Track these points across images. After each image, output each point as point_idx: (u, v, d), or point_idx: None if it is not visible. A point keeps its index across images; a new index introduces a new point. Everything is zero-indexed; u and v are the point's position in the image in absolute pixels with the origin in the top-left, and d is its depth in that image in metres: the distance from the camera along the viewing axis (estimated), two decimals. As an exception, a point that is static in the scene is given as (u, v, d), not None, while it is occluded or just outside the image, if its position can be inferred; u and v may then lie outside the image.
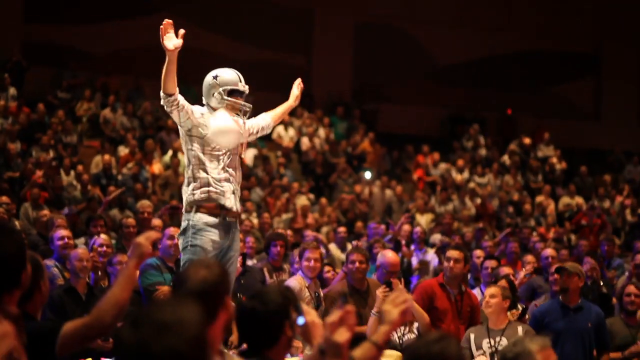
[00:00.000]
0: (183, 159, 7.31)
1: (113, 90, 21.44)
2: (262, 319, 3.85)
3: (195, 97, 21.72)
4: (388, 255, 9.00)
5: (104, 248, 9.28)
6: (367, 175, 21.56)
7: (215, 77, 7.16)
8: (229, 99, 7.10)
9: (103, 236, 9.59)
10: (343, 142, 22.69)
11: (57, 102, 20.89)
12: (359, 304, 8.37)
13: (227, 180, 6.95)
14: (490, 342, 7.52)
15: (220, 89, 7.10)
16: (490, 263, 9.99)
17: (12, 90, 19.66)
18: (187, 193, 6.91)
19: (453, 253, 8.52)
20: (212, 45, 24.41)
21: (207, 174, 6.88)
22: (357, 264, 8.60)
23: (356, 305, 8.39)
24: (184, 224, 6.87)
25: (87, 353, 7.59)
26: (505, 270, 9.39)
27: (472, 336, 7.63)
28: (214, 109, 7.13)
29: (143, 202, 12.78)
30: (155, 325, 2.60)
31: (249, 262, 10.37)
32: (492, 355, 7.47)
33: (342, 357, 3.42)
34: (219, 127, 6.94)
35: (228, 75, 7.20)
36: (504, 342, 7.41)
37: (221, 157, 6.97)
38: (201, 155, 6.90)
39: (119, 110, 20.62)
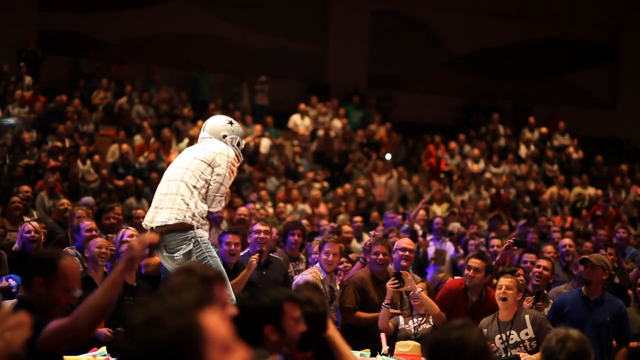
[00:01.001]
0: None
1: (127, 78, 21.43)
2: (240, 318, 3.79)
3: (212, 85, 21.64)
4: (404, 239, 9.05)
5: (134, 238, 9.25)
6: (388, 156, 21.59)
7: (230, 123, 7.56)
8: (237, 149, 7.53)
9: (132, 228, 9.60)
10: (359, 131, 22.64)
11: (74, 91, 20.89)
12: (380, 294, 8.37)
13: None
14: (502, 337, 7.49)
15: (232, 136, 7.49)
16: (530, 257, 9.83)
17: (28, 79, 19.71)
18: (188, 212, 7.09)
19: (474, 262, 8.38)
20: (227, 34, 24.44)
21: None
22: (380, 256, 8.59)
23: (377, 296, 8.40)
24: (191, 240, 7.18)
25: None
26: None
27: (484, 331, 7.57)
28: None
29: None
30: (163, 308, 2.54)
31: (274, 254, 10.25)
32: (505, 349, 7.45)
33: None
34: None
35: (240, 128, 7.67)
36: (514, 334, 7.42)
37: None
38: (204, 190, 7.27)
39: (134, 99, 20.61)
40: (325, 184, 19.76)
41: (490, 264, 8.53)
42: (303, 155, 21.26)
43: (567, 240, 11.62)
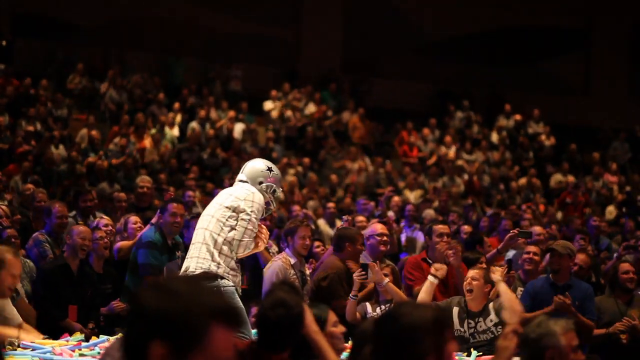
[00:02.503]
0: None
1: (101, 62, 21.35)
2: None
3: (184, 69, 21.44)
4: (377, 225, 9.06)
5: (109, 228, 9.27)
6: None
7: (270, 170, 7.40)
8: (272, 198, 7.39)
9: (106, 218, 9.60)
10: (333, 117, 22.65)
11: (47, 74, 20.77)
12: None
13: None
14: (470, 323, 7.56)
15: (267, 184, 7.33)
16: (533, 249, 9.84)
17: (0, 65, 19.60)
18: (213, 262, 6.98)
19: (441, 228, 8.64)
20: (198, 18, 24.31)
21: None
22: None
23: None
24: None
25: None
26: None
27: (455, 310, 7.63)
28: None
29: (143, 177, 12.65)
30: (172, 293, 2.58)
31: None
32: (472, 335, 7.52)
33: None
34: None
35: (279, 175, 7.53)
36: (481, 322, 7.50)
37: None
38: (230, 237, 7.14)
39: (108, 84, 20.49)
40: (300, 169, 19.76)
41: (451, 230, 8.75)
42: (277, 141, 21.26)
43: (538, 229, 11.76)
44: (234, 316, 2.65)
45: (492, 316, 7.54)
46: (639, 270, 9.02)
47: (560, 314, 7.73)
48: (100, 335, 7.19)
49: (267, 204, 7.29)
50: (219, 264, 6.93)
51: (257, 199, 7.14)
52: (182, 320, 2.52)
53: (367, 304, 7.95)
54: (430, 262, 8.48)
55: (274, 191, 7.39)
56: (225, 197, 7.27)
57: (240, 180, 7.42)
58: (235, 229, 7.03)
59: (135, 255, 8.65)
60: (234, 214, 7.07)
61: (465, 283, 7.63)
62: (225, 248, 7.00)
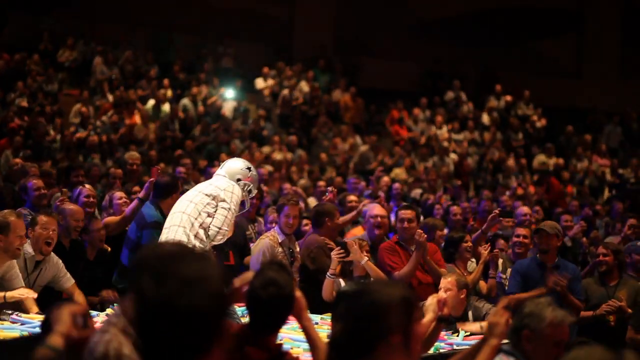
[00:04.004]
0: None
1: (93, 37, 21.27)
2: None
3: (178, 46, 21.19)
4: (375, 206, 9.19)
5: (90, 199, 9.21)
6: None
7: (249, 169, 7.62)
8: (249, 197, 7.65)
9: (88, 186, 9.49)
10: (324, 96, 22.62)
11: (38, 49, 20.69)
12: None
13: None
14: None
15: (245, 182, 7.53)
16: (522, 231, 9.79)
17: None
18: (189, 244, 6.98)
19: (405, 213, 8.64)
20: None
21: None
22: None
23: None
24: None
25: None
26: None
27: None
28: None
29: (132, 154, 12.55)
30: (179, 281, 2.61)
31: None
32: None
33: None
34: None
35: (256, 176, 7.76)
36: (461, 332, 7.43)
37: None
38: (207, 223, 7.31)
39: (99, 59, 20.41)
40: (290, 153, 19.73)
41: (418, 211, 8.91)
42: (268, 119, 21.24)
43: (524, 209, 11.81)
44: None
45: (471, 321, 7.55)
46: (619, 254, 8.99)
47: (553, 293, 7.78)
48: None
49: (242, 203, 7.50)
50: (194, 246, 6.94)
51: (236, 192, 7.35)
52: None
53: (341, 280, 7.93)
54: (403, 244, 8.54)
55: (250, 190, 7.59)
56: (205, 186, 7.47)
57: (218, 175, 7.59)
58: (213, 218, 7.18)
59: (138, 235, 8.42)
60: (213, 201, 7.23)
61: (439, 294, 7.49)
62: (201, 232, 7.14)
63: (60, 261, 7.52)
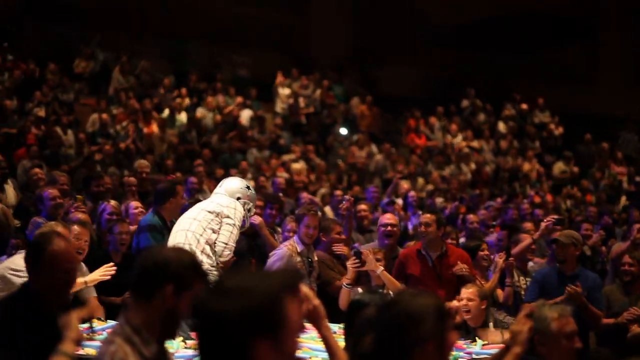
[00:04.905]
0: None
1: (110, 47, 21.32)
2: None
3: (194, 55, 21.08)
4: (385, 215, 9.23)
5: (113, 217, 9.10)
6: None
7: (248, 188, 7.85)
8: (247, 215, 7.79)
9: (113, 203, 9.43)
10: (341, 105, 22.62)
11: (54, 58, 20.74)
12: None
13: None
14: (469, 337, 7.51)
15: (244, 201, 7.73)
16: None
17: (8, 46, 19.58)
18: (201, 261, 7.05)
19: (425, 217, 8.49)
20: (207, 2, 24.24)
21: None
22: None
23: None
24: None
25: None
26: None
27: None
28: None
29: (141, 162, 12.60)
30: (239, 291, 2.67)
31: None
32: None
33: None
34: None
35: (254, 196, 8.00)
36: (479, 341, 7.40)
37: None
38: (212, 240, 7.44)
39: (116, 69, 20.46)
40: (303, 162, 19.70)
41: (441, 217, 8.69)
42: (284, 128, 21.24)
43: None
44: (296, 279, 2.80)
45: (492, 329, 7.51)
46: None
47: (571, 303, 7.72)
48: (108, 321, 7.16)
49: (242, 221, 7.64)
50: (201, 262, 6.98)
51: (239, 209, 7.52)
52: (266, 311, 2.62)
53: (359, 289, 7.88)
54: (423, 252, 8.45)
55: (249, 209, 7.79)
56: (207, 204, 7.62)
57: (217, 193, 7.76)
58: (218, 233, 7.29)
59: (137, 241, 8.48)
60: (216, 218, 7.36)
61: (461, 304, 7.53)
62: (207, 248, 7.26)
63: (88, 272, 7.53)
